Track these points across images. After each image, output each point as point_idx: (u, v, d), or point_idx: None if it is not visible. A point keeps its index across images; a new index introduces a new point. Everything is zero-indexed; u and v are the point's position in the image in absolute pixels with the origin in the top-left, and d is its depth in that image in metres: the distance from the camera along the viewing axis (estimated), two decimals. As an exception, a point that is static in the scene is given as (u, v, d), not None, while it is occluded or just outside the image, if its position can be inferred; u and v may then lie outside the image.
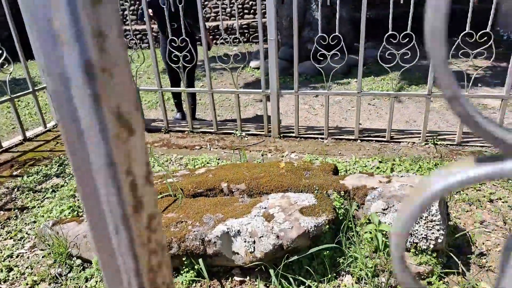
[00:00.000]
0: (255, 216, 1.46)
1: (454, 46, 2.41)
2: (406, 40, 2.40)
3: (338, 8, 2.50)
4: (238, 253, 1.42)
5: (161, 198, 1.74)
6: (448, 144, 2.55)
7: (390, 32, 2.38)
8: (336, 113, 3.80)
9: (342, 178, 1.71)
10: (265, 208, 1.51)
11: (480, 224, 1.72)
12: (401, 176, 1.65)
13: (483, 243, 1.58)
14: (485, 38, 2.27)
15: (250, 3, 8.11)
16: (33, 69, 5.70)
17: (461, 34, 2.33)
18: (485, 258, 1.49)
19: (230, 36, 2.99)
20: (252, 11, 8.21)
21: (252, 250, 1.37)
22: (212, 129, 3.03)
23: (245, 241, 1.39)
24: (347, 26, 5.13)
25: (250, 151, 2.69)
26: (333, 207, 1.52)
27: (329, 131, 2.82)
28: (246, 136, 2.94)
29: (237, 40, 2.82)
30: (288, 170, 1.84)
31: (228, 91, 3.04)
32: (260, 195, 1.71)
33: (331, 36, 2.53)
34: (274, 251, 1.36)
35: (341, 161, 2.44)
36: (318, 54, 2.58)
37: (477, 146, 2.50)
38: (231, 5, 7.78)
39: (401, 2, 2.35)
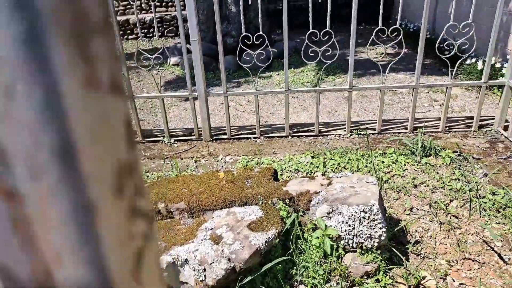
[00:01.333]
0: (202, 240, 1.37)
1: (371, 40, 2.55)
2: (327, 37, 2.47)
3: (259, 5, 2.47)
4: (187, 283, 1.32)
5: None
6: (370, 133, 2.71)
7: (311, 30, 2.42)
8: (263, 108, 3.81)
9: (284, 184, 1.70)
10: (211, 229, 1.43)
11: (410, 211, 1.86)
12: (340, 177, 1.69)
13: (416, 231, 1.71)
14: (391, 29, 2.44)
15: (161, -5, 7.71)
16: None
17: (375, 30, 2.47)
18: (420, 246, 1.61)
19: (142, 31, 2.78)
20: (164, 3, 7.81)
21: (203, 279, 1.29)
22: (137, 137, 2.81)
23: (194, 270, 1.30)
24: (263, 18, 5.16)
25: (182, 159, 2.56)
26: (280, 217, 1.50)
27: (261, 129, 2.81)
28: (176, 142, 2.79)
29: (151, 34, 2.65)
30: (228, 181, 1.78)
31: (151, 96, 2.83)
32: (203, 213, 1.63)
33: (255, 35, 2.49)
34: (226, 276, 1.29)
35: (276, 160, 2.45)
36: (239, 50, 2.55)
37: (395, 133, 2.71)
38: (140, -3, 7.29)
39: None
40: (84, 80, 0.11)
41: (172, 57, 5.48)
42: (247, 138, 2.79)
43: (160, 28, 7.50)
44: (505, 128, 2.62)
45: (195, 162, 2.51)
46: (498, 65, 3.76)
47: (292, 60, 5.17)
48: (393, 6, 6.90)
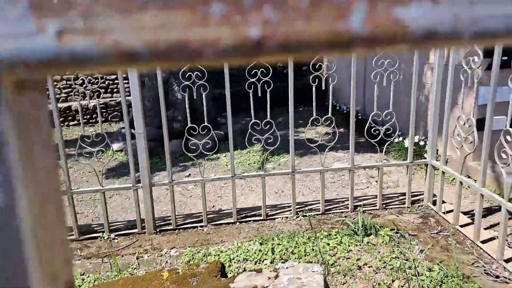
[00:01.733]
0: None
1: (308, 124, 2.78)
2: (267, 126, 2.65)
3: (204, 98, 2.63)
4: None
5: None
6: (315, 214, 2.81)
7: (253, 121, 2.60)
8: (211, 191, 3.82)
9: (232, 281, 1.67)
10: None
11: (357, 296, 1.89)
12: (287, 268, 1.71)
13: (364, 318, 1.72)
14: (326, 113, 2.69)
15: (106, 82, 7.86)
16: None
17: (310, 120, 2.71)
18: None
19: (85, 117, 2.79)
20: (109, 90, 7.94)
21: None
22: (73, 235, 2.63)
23: None
24: (208, 104, 5.44)
25: (123, 256, 2.41)
26: (227, 318, 1.44)
27: (208, 216, 2.79)
28: (116, 237, 2.65)
29: (94, 120, 2.67)
30: (173, 281, 1.70)
31: (90, 190, 2.72)
32: (146, 320, 1.51)
33: (200, 126, 2.60)
34: None
35: (224, 249, 2.41)
36: (185, 139, 2.64)
37: (338, 213, 2.84)
38: (84, 85, 7.37)
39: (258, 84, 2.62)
40: None
41: (115, 143, 5.43)
42: (194, 227, 2.74)
43: (105, 114, 7.51)
44: (434, 203, 2.86)
45: (137, 258, 2.38)
46: (422, 142, 4.23)
47: (238, 142, 5.37)
48: (328, 89, 7.67)
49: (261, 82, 2.57)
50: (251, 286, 1.60)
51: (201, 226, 2.73)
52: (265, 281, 1.62)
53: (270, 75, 2.53)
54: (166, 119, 2.57)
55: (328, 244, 2.38)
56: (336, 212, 2.85)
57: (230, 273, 2.13)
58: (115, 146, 5.39)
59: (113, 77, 7.95)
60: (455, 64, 2.54)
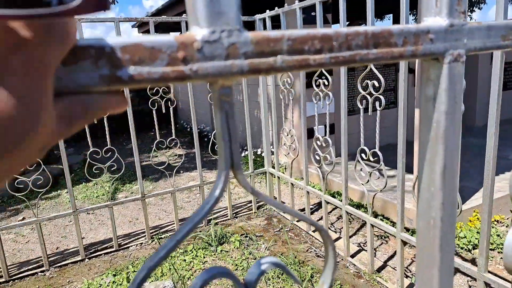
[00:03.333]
0: None
1: (153, 148, 2.81)
2: (109, 154, 2.59)
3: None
4: None
5: None
6: (171, 235, 2.85)
7: (91, 149, 2.50)
8: (53, 232, 3.42)
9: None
10: None
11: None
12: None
13: (218, 318, 1.86)
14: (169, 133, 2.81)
15: None
16: None
17: (155, 142, 2.77)
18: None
19: None
20: None
21: None
22: None
23: None
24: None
25: None
26: None
27: (49, 259, 2.51)
28: None
29: None
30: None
31: None
32: None
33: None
34: None
35: (72, 290, 2.22)
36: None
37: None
38: None
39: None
40: None
41: None
42: (33, 274, 2.42)
43: None
44: (274, 205, 3.28)
45: (-43, 325, 1.97)
46: (264, 154, 4.75)
47: (82, 174, 4.96)
48: (177, 111, 7.82)
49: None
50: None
51: (42, 271, 2.44)
52: (116, 308, 1.59)
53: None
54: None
55: (185, 260, 2.46)
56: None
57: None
58: None
59: None
60: (276, 85, 3.02)
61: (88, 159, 2.52)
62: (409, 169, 2.12)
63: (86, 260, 2.57)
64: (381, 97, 1.83)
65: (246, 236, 2.76)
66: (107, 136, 2.58)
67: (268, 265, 0.34)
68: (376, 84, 1.88)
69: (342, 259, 2.41)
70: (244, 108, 3.08)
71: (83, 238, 2.88)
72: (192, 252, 2.53)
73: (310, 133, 3.28)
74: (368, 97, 1.94)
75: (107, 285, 2.23)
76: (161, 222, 3.34)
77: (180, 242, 0.30)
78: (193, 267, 2.38)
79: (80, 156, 5.46)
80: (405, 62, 1.76)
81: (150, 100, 2.78)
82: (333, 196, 3.21)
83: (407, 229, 2.69)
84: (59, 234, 3.41)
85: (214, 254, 2.51)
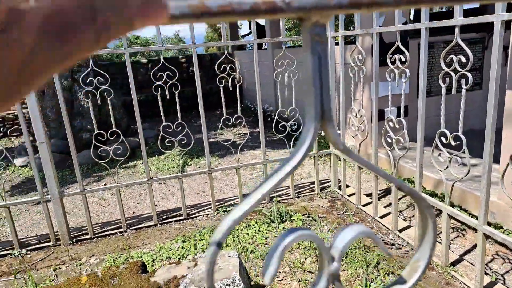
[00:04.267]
0: None
1: (220, 124, 2.89)
2: (180, 128, 2.71)
3: (109, 104, 2.59)
4: None
5: None
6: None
7: (164, 123, 2.64)
8: (129, 199, 3.73)
9: (152, 275, 1.71)
10: None
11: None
12: (205, 256, 1.80)
13: (279, 291, 1.89)
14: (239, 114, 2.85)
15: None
16: None
17: (222, 119, 2.84)
18: (283, 304, 1.79)
19: None
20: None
21: None
22: (-25, 256, 2.39)
23: None
24: (119, 110, 5.27)
25: (38, 270, 2.27)
26: (149, 309, 1.49)
27: (127, 222, 2.75)
28: (28, 253, 2.47)
29: None
30: (92, 284, 1.68)
31: (-8, 205, 2.50)
32: (63, 326, 1.48)
33: (109, 132, 2.56)
34: None
35: (146, 251, 2.41)
36: (93, 146, 2.58)
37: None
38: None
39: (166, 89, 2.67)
40: None
41: (18, 158, 4.97)
42: (113, 234, 2.68)
43: (2, 128, 6.79)
44: (340, 188, 3.20)
45: (54, 270, 2.26)
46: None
47: (155, 148, 5.30)
48: (242, 91, 7.94)
49: (168, 85, 2.62)
50: (170, 277, 1.66)
51: (121, 232, 2.68)
52: (184, 271, 1.70)
53: (177, 76, 2.60)
54: (69, 125, 2.47)
55: (248, 234, 2.53)
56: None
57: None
58: (18, 161, 4.93)
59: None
60: (345, 63, 2.90)
61: (161, 133, 2.67)
62: (493, 159, 1.91)
63: (158, 225, 2.77)
64: (468, 74, 1.66)
65: (309, 216, 2.74)
66: (178, 112, 2.70)
67: (356, 233, 0.32)
68: (463, 59, 1.70)
69: (412, 249, 2.29)
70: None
71: (156, 205, 3.09)
72: (254, 227, 2.59)
73: (381, 115, 3.11)
74: (453, 74, 1.77)
75: (177, 250, 2.38)
76: (225, 196, 3.46)
77: (265, 196, 0.29)
78: (255, 241, 2.44)
79: (154, 131, 5.82)
80: (499, 37, 1.55)
81: (218, 77, 2.84)
82: (403, 182, 3.03)
83: (489, 223, 2.47)
84: (135, 200, 3.71)
85: (276, 231, 2.55)
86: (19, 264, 2.35)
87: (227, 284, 1.55)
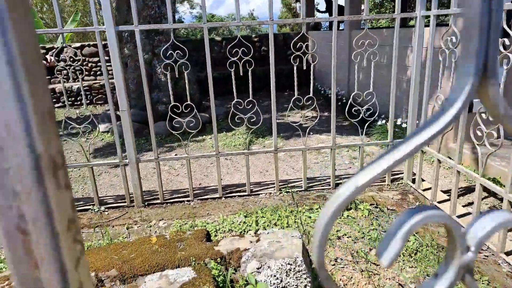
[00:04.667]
0: (132, 307, 1.35)
1: (289, 108, 2.84)
2: (250, 105, 2.72)
3: (186, 77, 2.67)
4: None
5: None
6: (297, 191, 2.92)
7: (235, 100, 2.66)
8: (197, 171, 3.89)
9: (216, 244, 1.76)
10: (142, 295, 1.41)
11: (335, 261, 2.00)
12: (268, 233, 1.80)
13: (340, 279, 1.84)
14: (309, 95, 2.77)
15: (89, 64, 7.77)
16: None
17: (292, 99, 2.78)
18: (344, 293, 1.73)
19: (70, 99, 2.80)
20: (92, 72, 7.85)
21: None
22: (63, 207, 2.68)
23: None
24: (193, 86, 5.45)
25: (113, 227, 2.48)
26: (212, 276, 1.53)
27: (194, 192, 2.87)
28: (106, 210, 2.71)
29: (79, 102, 2.68)
30: (161, 245, 1.78)
31: (79, 165, 2.77)
32: (135, 279, 1.59)
33: (184, 104, 2.65)
34: None
35: (210, 221, 2.50)
36: (170, 117, 2.69)
37: (319, 189, 2.94)
38: (67, 67, 7.27)
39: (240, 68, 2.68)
40: (56, 186, 0.23)
41: (101, 124, 5.43)
42: (181, 201, 2.81)
43: (89, 96, 7.44)
44: (414, 181, 2.99)
45: (127, 229, 2.45)
46: (404, 125, 4.35)
47: (223, 125, 5.43)
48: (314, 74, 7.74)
49: (242, 61, 2.61)
50: (233, 248, 1.69)
51: (188, 201, 2.81)
52: (247, 244, 1.72)
53: (251, 54, 2.59)
54: (149, 94, 2.60)
55: (310, 217, 2.49)
56: (318, 189, 2.96)
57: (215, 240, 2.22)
58: (102, 127, 5.39)
59: (95, 59, 7.86)
60: (434, 47, 2.63)
61: (232, 109, 2.70)
62: None
63: (223, 198, 2.84)
64: None
65: (376, 207, 2.61)
66: (250, 89, 2.70)
67: (501, 221, 0.26)
68: None
69: (493, 254, 2.07)
70: (392, 71, 2.80)
71: (221, 179, 3.18)
72: (317, 211, 2.54)
73: (470, 106, 2.81)
74: None
75: (239, 224, 2.43)
76: (288, 177, 3.44)
77: (396, 165, 0.25)
78: (318, 225, 2.39)
79: (223, 109, 5.96)
80: None
81: (293, 55, 2.77)
82: (488, 182, 2.74)
83: None
84: (201, 172, 3.86)
85: (340, 218, 2.47)
86: (98, 219, 2.58)
87: (288, 263, 1.54)
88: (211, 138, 5.05)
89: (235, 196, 2.88)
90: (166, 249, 1.75)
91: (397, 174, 3.18)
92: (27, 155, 0.21)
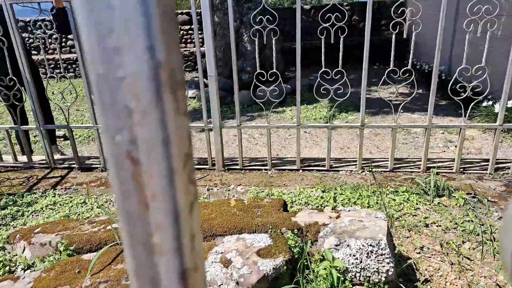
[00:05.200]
0: (212, 262, 1.39)
1: (382, 80, 2.62)
2: (338, 76, 2.56)
3: (274, 44, 2.60)
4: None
5: (108, 248, 1.58)
6: (382, 171, 2.73)
7: (323, 69, 2.52)
8: (275, 141, 3.88)
9: (293, 215, 1.73)
10: (221, 253, 1.45)
11: (421, 249, 1.84)
12: (349, 211, 1.71)
13: (425, 269, 1.69)
14: (405, 68, 2.51)
15: (181, 32, 8.11)
16: None
17: (387, 71, 2.55)
18: (429, 285, 1.59)
19: None
20: (183, 40, 8.21)
21: (211, 303, 1.30)
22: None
23: (202, 294, 1.31)
24: (278, 55, 5.37)
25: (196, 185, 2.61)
26: (288, 246, 1.51)
27: (272, 161, 2.86)
28: (189, 170, 2.86)
29: None
30: (239, 209, 1.81)
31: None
32: (214, 238, 1.65)
33: (269, 72, 2.59)
34: (234, 301, 1.30)
35: (286, 192, 2.48)
36: (253, 86, 2.67)
37: (407, 171, 2.72)
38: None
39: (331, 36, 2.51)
40: (174, 109, 0.19)
41: (189, 90, 5.69)
42: (259, 169, 2.83)
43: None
44: (521, 172, 2.60)
45: (208, 190, 2.55)
46: (515, 108, 3.78)
47: (305, 97, 5.30)
48: (409, 46, 7.09)
49: (334, 28, 2.44)
50: (311, 221, 1.64)
51: (266, 169, 2.82)
52: (325, 219, 1.65)
53: (345, 20, 2.41)
54: (236, 64, 2.60)
55: (394, 200, 2.32)
56: (406, 171, 2.73)
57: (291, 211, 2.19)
58: (189, 93, 5.66)
59: (186, 27, 8.17)
60: None
61: (318, 79, 2.58)
62: None
63: (300, 171, 2.79)
64: None
65: (474, 197, 2.33)
66: (340, 58, 2.54)
67: None
68: None
69: None
70: (512, 42, 2.39)
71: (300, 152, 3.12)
72: (403, 195, 2.35)
73: None
74: None
75: (316, 198, 2.37)
76: (371, 156, 3.24)
77: None
78: (402, 209, 2.22)
79: (306, 80, 5.81)
80: None
81: (392, 22, 2.52)
82: None
83: None
84: (279, 144, 3.84)
85: (429, 204, 2.26)
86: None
87: (370, 245, 1.44)
88: (291, 110, 4.98)
89: (313, 170, 2.81)
90: (244, 213, 1.77)
91: (504, 163, 2.78)
92: (146, 61, 0.17)
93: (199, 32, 2.41)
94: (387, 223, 1.63)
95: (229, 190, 2.54)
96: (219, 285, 1.31)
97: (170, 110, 0.19)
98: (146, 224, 0.19)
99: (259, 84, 2.68)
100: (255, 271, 1.35)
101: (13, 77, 2.72)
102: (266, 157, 2.84)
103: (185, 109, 0.20)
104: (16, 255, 1.85)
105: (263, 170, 2.82)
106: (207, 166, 2.87)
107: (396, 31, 2.45)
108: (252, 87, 2.72)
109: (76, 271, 1.44)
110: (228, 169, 2.84)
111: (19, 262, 1.79)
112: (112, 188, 0.20)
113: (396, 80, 2.61)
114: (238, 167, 2.84)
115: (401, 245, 1.88)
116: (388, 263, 1.43)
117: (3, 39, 2.62)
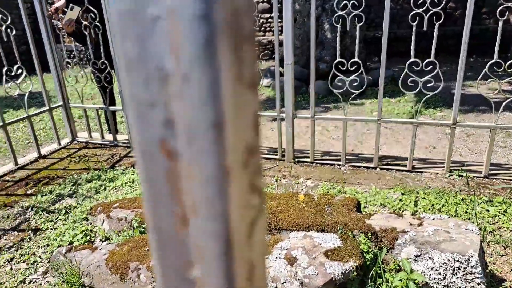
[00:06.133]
0: (276, 258, 1.34)
1: (483, 74, 2.29)
2: (430, 67, 2.29)
3: (357, 30, 2.42)
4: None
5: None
6: (474, 177, 2.41)
7: (412, 59, 2.28)
8: (351, 135, 3.68)
9: (368, 217, 1.59)
10: (287, 249, 1.39)
11: (519, 272, 1.58)
12: (433, 219, 1.52)
13: (525, 297, 1.44)
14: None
15: (261, 20, 8.11)
16: (48, 83, 5.68)
17: (488, 64, 2.22)
18: (530, 316, 1.35)
19: None
20: (262, 28, 8.21)
21: (273, 299, 1.24)
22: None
23: None
24: (360, 44, 5.08)
25: (264, 176, 2.57)
26: (360, 250, 1.39)
27: (346, 157, 2.70)
28: (260, 159, 2.84)
29: None
30: (308, 204, 1.72)
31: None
32: (279, 232, 1.59)
33: (350, 61, 2.43)
34: (297, 302, 1.23)
35: (360, 191, 2.32)
36: (331, 76, 2.51)
37: (507, 179, 2.36)
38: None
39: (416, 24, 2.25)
40: (235, 76, 0.14)
41: (264, 79, 5.68)
42: (331, 164, 2.70)
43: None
44: None
45: (276, 181, 2.50)
46: None
47: (388, 89, 4.93)
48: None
49: (428, 14, 2.18)
50: (388, 226, 1.49)
51: (339, 165, 2.68)
52: (405, 226, 1.49)
53: (440, 7, 2.13)
54: (314, 53, 2.48)
55: (488, 210, 2.03)
56: (504, 179, 2.38)
57: (365, 212, 2.04)
58: (264, 82, 5.65)
59: (266, 15, 8.15)
60: None
61: (406, 70, 2.34)
62: None
63: (378, 169, 2.60)
64: None
65: None
66: (433, 48, 2.27)
67: None
68: None
69: None
70: None
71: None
72: (500, 206, 2.05)
73: None
74: None
75: (393, 200, 2.18)
76: (462, 159, 2.89)
77: None
78: (497, 221, 1.93)
79: (390, 71, 5.42)
80: None
81: (500, 7, 2.17)
82: None
83: None
84: (356, 138, 3.63)
85: (533, 220, 1.92)
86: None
87: (458, 260, 1.26)
88: (370, 102, 4.68)
89: (392, 169, 2.59)
90: (313, 210, 1.68)
91: None
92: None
93: (279, 20, 2.33)
94: (480, 237, 1.41)
95: (298, 183, 2.46)
96: (282, 283, 1.25)
97: (228, 77, 0.12)
98: (183, 249, 0.13)
99: (338, 74, 2.52)
100: (322, 273, 1.27)
101: (105, 61, 2.93)
102: (340, 152, 2.69)
103: (253, 77, 0.13)
104: (96, 226, 2.01)
105: (336, 166, 2.68)
106: (277, 157, 2.82)
107: (504, 18, 2.11)
108: (330, 77, 2.58)
109: (146, 249, 1.49)
110: (298, 162, 2.76)
111: (98, 234, 1.94)
112: (143, 192, 0.14)
113: (497, 74, 2.26)
114: (308, 160, 2.74)
115: (494, 264, 1.63)
116: (478, 284, 1.23)
117: (99, 25, 2.83)
